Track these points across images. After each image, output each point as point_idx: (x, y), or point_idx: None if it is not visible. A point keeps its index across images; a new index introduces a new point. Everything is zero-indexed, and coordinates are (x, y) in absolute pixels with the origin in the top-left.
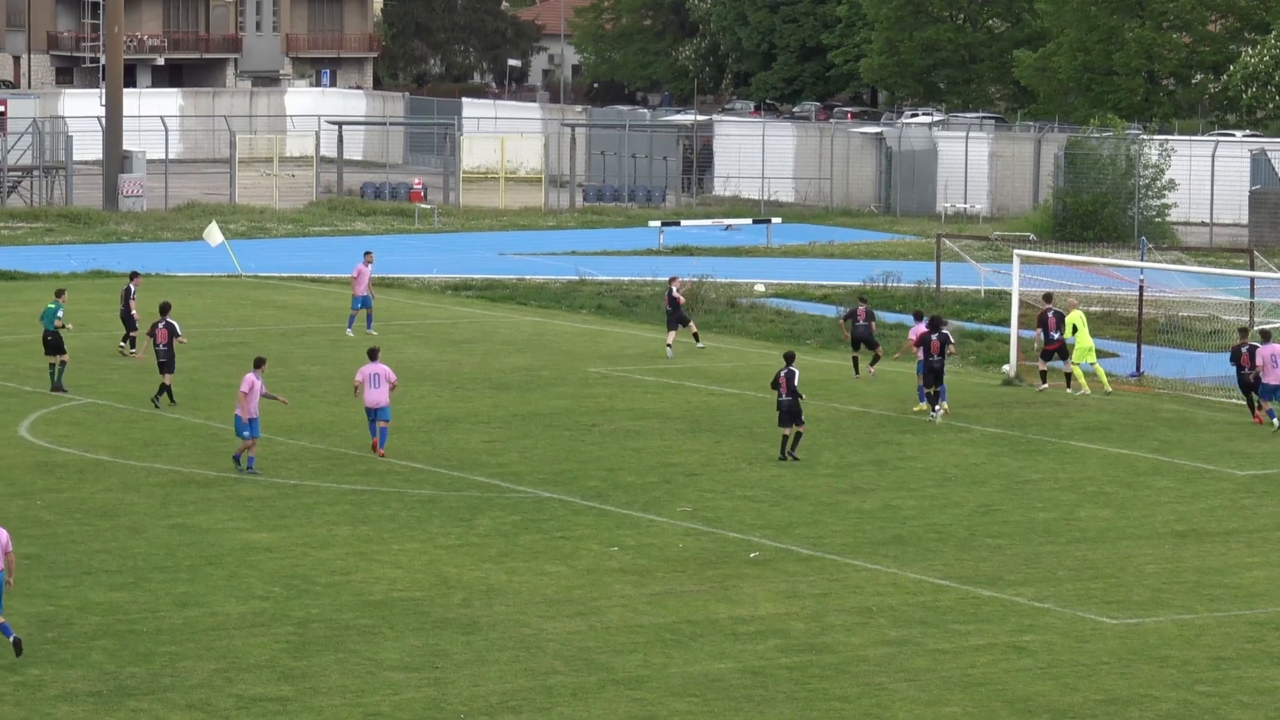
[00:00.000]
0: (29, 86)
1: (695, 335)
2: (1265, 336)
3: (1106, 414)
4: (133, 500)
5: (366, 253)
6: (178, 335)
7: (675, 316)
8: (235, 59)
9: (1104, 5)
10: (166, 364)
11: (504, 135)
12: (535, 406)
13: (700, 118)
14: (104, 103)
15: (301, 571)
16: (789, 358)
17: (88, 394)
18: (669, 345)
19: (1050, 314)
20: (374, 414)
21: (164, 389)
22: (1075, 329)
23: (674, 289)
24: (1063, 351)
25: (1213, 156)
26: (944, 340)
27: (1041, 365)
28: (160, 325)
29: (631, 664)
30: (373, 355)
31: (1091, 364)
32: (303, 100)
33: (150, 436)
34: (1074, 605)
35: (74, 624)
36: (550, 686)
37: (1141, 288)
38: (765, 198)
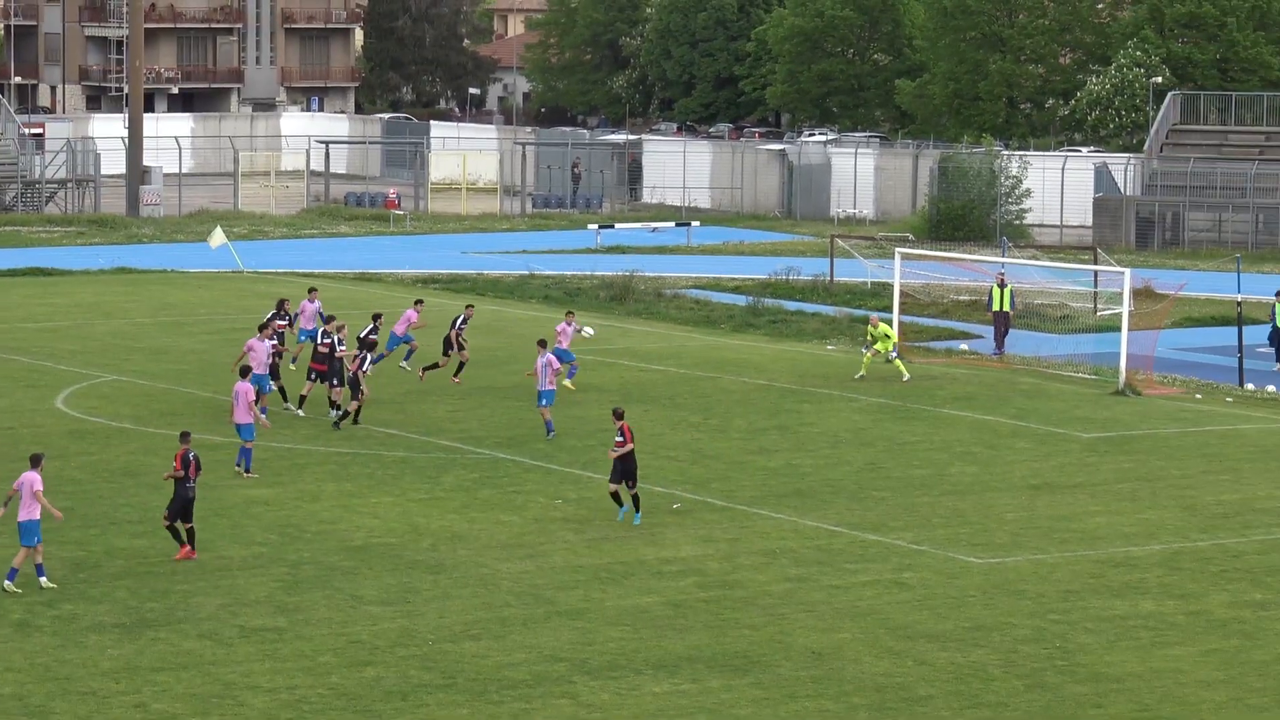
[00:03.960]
0: (63, 112)
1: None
2: (542, 345)
3: (973, 386)
4: (152, 462)
5: (312, 289)
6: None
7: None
8: (238, 88)
9: (971, 41)
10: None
11: (466, 152)
12: (492, 381)
13: (631, 137)
14: (127, 125)
15: (294, 521)
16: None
17: (114, 372)
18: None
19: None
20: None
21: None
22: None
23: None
24: None
25: (1063, 169)
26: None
27: None
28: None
29: (573, 598)
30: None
31: (884, 351)
32: (295, 123)
33: (167, 408)
34: (946, 547)
35: (102, 566)
36: (504, 618)
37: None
38: (686, 204)
